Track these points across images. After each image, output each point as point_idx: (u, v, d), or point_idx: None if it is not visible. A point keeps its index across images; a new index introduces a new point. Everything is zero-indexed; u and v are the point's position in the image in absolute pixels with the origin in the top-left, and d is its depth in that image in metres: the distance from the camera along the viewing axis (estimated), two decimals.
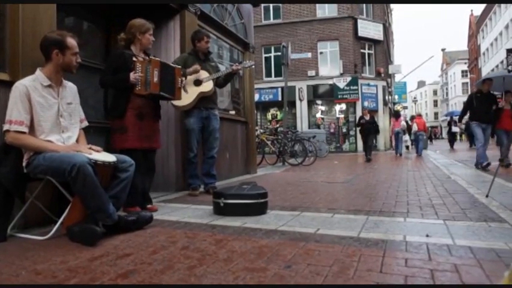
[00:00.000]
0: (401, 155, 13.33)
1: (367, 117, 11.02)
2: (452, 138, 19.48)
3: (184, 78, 3.45)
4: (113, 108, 3.11)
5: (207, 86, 4.09)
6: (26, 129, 2.24)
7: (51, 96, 2.40)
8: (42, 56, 2.43)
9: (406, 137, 15.91)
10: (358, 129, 12.02)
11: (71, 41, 2.43)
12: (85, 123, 2.71)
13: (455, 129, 19.92)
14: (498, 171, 4.00)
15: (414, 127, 13.74)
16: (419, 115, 15.03)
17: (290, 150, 9.35)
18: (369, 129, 10.92)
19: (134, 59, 3.05)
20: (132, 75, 2.97)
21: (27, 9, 2.58)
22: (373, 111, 17.35)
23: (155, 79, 3.03)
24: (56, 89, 2.44)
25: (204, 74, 4.08)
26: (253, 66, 5.57)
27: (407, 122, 16.23)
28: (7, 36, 2.54)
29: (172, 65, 3.34)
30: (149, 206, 3.19)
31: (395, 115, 14.64)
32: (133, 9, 3.96)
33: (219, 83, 4.31)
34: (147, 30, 3.13)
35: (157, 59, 3.11)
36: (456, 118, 21.83)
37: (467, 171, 6.22)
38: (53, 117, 2.39)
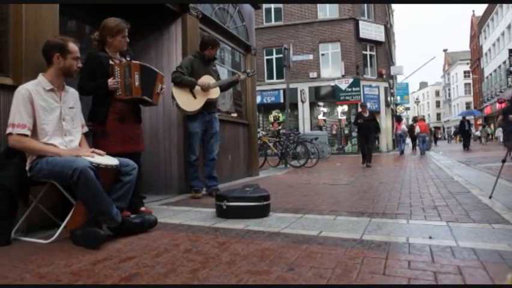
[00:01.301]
0: (402, 153, 15.14)
1: (366, 115, 9.26)
2: (467, 138, 18.09)
3: (164, 86, 3.27)
4: (93, 113, 2.96)
5: (215, 93, 4.18)
6: (28, 133, 2.26)
7: (54, 100, 2.42)
8: (45, 61, 2.45)
9: (407, 140, 17.85)
10: (356, 128, 10.37)
11: (73, 46, 2.46)
12: (85, 129, 2.73)
13: (473, 130, 19.41)
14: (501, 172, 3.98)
15: (417, 129, 15.09)
16: (421, 119, 16.22)
17: (292, 152, 9.35)
18: (369, 128, 9.11)
19: (111, 62, 2.95)
20: (111, 81, 2.86)
21: (30, 13, 2.60)
22: (375, 113, 17.34)
23: (137, 83, 2.93)
24: (58, 93, 2.46)
25: (209, 79, 4.13)
26: (255, 75, 5.71)
27: (411, 126, 17.57)
28: (10, 41, 2.56)
29: (155, 69, 3.18)
30: (143, 208, 3.13)
31: (398, 119, 16.73)
32: (134, 12, 3.98)
33: (221, 89, 4.36)
34: (118, 32, 2.95)
35: (137, 62, 3.00)
36: (470, 118, 21.45)
37: (470, 173, 6.20)
38: (56, 121, 2.40)
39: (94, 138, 2.95)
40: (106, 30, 2.95)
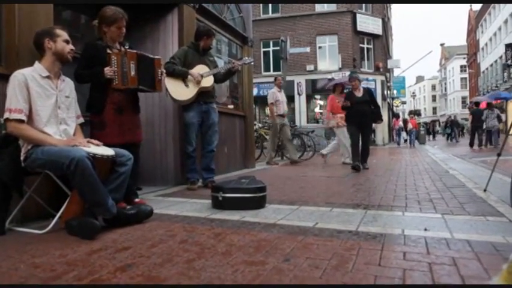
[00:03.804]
0: (399, 144, 18.48)
1: (359, 94, 6.11)
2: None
3: (163, 70, 3.24)
4: (91, 103, 2.94)
5: (208, 81, 4.09)
6: (25, 118, 2.25)
7: (50, 87, 2.41)
8: (38, 53, 2.44)
9: (403, 133, 20.18)
10: (344, 114, 6.45)
11: (60, 30, 2.47)
12: (81, 120, 2.71)
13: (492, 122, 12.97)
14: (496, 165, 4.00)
15: (410, 126, 18.32)
16: (412, 117, 19.72)
17: None
18: (364, 113, 5.96)
19: (108, 51, 2.88)
20: (107, 70, 2.81)
21: (24, 4, 2.56)
22: None
23: (133, 72, 2.88)
24: (55, 81, 2.45)
25: (203, 69, 4.07)
26: (252, 63, 5.56)
27: (405, 120, 20.35)
28: (3, 30, 2.52)
29: (150, 56, 3.13)
30: (136, 200, 3.07)
31: (396, 116, 20.32)
32: (130, 2, 3.92)
33: (218, 79, 4.29)
34: (113, 22, 2.86)
35: (133, 51, 2.95)
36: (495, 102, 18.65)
37: (465, 166, 6.23)
38: (51, 108, 2.39)
39: (91, 128, 2.91)
40: (102, 19, 2.89)
